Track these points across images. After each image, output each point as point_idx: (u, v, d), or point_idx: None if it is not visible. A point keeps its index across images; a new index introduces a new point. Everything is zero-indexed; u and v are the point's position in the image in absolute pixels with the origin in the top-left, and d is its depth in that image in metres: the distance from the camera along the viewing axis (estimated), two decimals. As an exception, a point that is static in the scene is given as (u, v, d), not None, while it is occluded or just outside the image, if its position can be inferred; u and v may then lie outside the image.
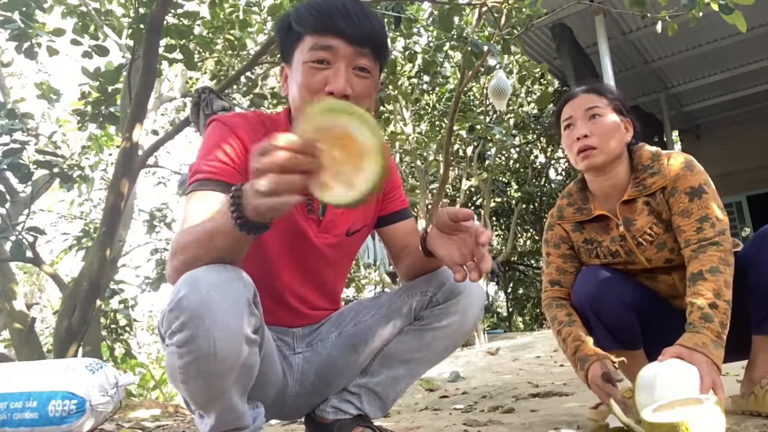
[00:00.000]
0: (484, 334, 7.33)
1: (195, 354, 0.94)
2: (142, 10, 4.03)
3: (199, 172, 1.11)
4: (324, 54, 1.09)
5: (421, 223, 8.48)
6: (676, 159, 1.50)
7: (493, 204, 10.58)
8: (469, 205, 11.11)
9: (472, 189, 10.28)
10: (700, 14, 3.03)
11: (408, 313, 1.28)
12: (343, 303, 1.47)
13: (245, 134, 1.16)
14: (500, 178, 10.68)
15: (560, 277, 1.65)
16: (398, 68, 6.68)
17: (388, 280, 8.22)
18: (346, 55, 1.10)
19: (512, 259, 10.96)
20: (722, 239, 1.38)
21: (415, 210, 8.96)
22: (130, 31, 4.10)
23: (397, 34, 5.47)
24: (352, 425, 1.26)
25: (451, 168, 7.12)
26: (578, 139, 1.50)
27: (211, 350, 0.93)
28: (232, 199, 0.88)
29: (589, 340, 1.53)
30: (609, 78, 5.35)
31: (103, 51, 4.22)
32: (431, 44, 6.32)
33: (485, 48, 3.58)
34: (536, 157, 11.28)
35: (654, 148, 1.56)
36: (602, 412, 1.51)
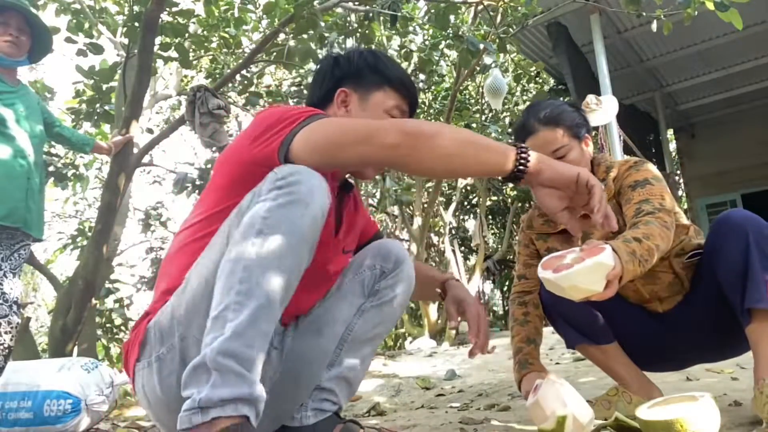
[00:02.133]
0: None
1: (295, 196, 0.99)
2: (136, 8, 4.02)
3: (317, 112, 1.16)
4: (399, 115, 1.33)
5: (417, 221, 8.49)
6: (623, 166, 1.56)
7: (489, 202, 10.60)
8: (465, 203, 11.13)
9: (468, 187, 10.29)
10: (695, 13, 3.04)
11: (362, 290, 1.32)
12: None
13: None
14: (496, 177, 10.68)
15: (525, 271, 1.77)
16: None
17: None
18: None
19: (508, 257, 10.98)
20: (660, 210, 1.38)
21: (411, 208, 8.96)
22: (125, 29, 4.09)
23: (393, 32, 5.47)
24: (332, 424, 1.25)
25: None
26: None
27: (309, 198, 1.00)
28: (520, 152, 1.09)
29: (534, 347, 1.68)
30: (604, 77, 5.37)
31: (97, 49, 4.20)
32: (427, 43, 6.33)
33: (481, 46, 3.58)
34: (532, 155, 11.27)
35: (609, 160, 1.61)
36: (599, 409, 1.52)
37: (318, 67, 1.41)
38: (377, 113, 1.30)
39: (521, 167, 1.08)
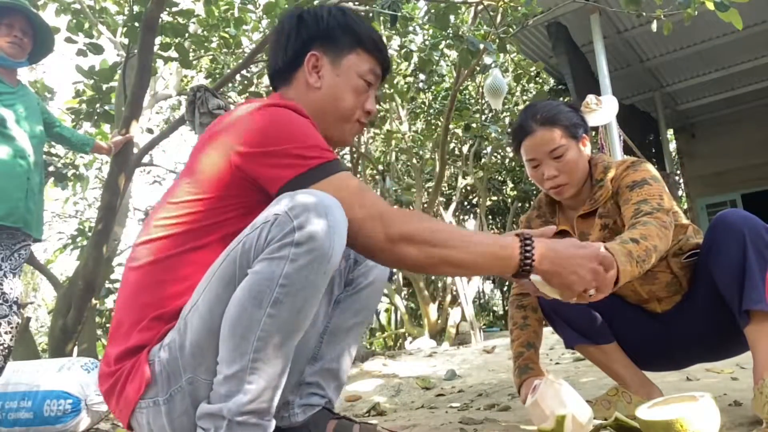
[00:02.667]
0: (480, 332, 7.35)
1: (315, 253, 0.90)
2: (136, 8, 4.02)
3: (327, 154, 1.04)
4: (373, 79, 1.25)
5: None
6: (620, 166, 1.55)
7: (489, 202, 10.59)
8: (465, 203, 11.13)
9: (468, 187, 10.30)
10: (695, 13, 3.04)
11: (339, 281, 1.32)
12: None
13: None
14: (496, 177, 10.70)
15: None
16: (394, 66, 6.67)
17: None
18: (377, 84, 1.28)
19: (508, 257, 10.99)
20: (657, 211, 1.38)
21: (411, 208, 8.96)
22: (125, 29, 4.09)
23: (393, 32, 5.47)
24: (325, 420, 1.25)
25: (447, 166, 7.13)
26: (548, 179, 1.54)
27: (330, 251, 0.91)
28: (524, 247, 1.02)
29: (534, 351, 1.64)
30: (604, 77, 5.36)
31: (97, 49, 4.20)
32: (427, 43, 6.32)
33: (481, 46, 3.59)
34: (532, 155, 11.26)
35: (607, 161, 1.60)
36: (599, 409, 1.52)
37: (280, 26, 1.26)
38: (351, 78, 1.21)
39: (528, 263, 1.03)
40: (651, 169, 1.53)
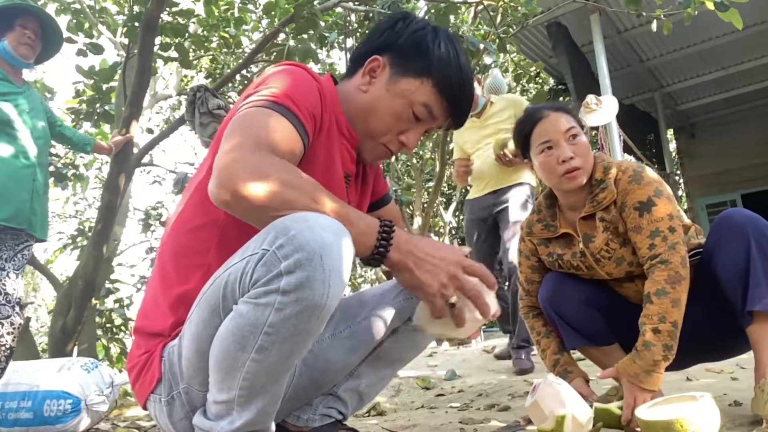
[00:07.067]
0: (480, 332, 7.35)
1: (305, 303, 0.81)
2: (136, 8, 4.02)
3: (286, 98, 0.98)
4: (425, 115, 1.13)
5: (417, 221, 8.49)
6: (624, 173, 1.51)
7: (488, 202, 10.57)
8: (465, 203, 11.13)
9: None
10: (695, 13, 3.05)
11: (402, 313, 1.26)
12: None
13: (322, 96, 1.09)
14: (496, 177, 10.69)
15: (528, 287, 1.73)
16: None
17: (385, 279, 8.22)
18: (431, 126, 1.17)
19: (508, 257, 10.99)
20: (671, 255, 1.39)
21: (411, 208, 8.96)
22: (125, 29, 4.09)
23: (393, 32, 5.47)
24: (335, 430, 1.25)
25: (447, 166, 7.13)
26: (563, 161, 1.50)
27: (324, 299, 0.82)
28: (382, 233, 0.91)
29: (568, 354, 1.65)
30: (604, 77, 5.37)
31: (97, 49, 4.20)
32: (427, 43, 6.33)
33: (481, 46, 3.59)
34: (532, 155, 11.26)
35: (605, 161, 1.57)
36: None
37: (384, 20, 1.19)
38: (398, 101, 1.11)
39: (381, 250, 0.91)
40: (652, 176, 1.50)
